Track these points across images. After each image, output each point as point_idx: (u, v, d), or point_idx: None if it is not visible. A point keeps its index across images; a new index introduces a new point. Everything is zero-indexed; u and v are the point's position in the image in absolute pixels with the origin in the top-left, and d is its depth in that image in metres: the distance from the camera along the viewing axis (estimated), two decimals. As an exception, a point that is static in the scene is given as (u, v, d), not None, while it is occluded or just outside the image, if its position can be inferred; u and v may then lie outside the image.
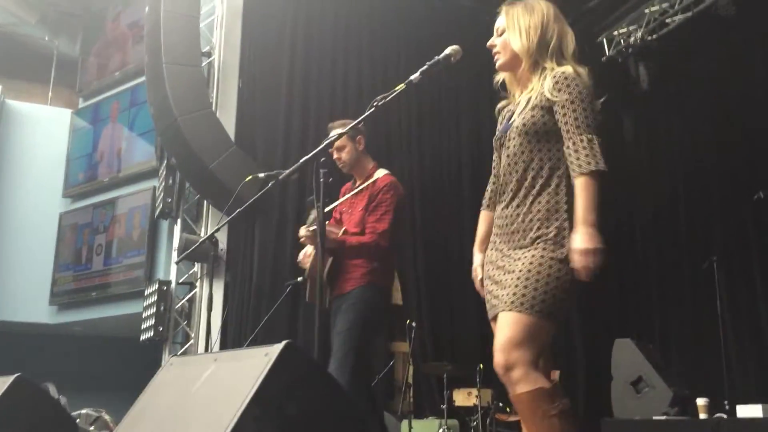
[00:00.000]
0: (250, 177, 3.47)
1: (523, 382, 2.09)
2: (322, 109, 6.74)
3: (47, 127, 8.72)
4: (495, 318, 2.27)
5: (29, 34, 9.01)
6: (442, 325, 6.87)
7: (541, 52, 2.30)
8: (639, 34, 7.05)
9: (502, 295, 2.21)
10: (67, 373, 7.35)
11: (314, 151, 2.37)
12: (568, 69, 2.26)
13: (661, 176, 7.52)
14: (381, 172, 3.75)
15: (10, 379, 2.34)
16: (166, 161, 6.76)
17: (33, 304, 8.08)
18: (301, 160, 2.39)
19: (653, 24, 6.93)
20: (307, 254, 3.72)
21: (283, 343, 1.43)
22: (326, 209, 3.63)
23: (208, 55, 6.83)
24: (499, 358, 2.14)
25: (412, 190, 6.99)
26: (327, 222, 3.82)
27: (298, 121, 6.71)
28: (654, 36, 6.97)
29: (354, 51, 7.20)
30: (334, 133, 3.05)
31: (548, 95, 2.23)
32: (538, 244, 2.20)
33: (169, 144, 6.43)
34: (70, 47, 9.23)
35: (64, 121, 8.73)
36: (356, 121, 2.43)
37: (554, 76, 2.25)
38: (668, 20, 6.83)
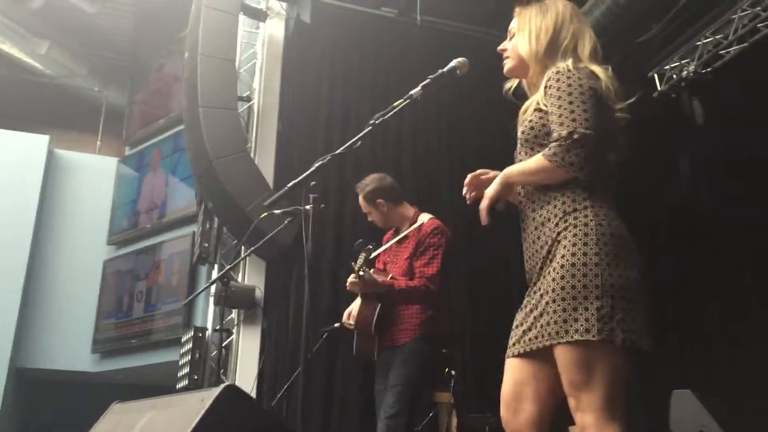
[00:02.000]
0: (265, 214, 3.30)
1: (593, 429, 1.76)
2: (360, 153, 6.59)
3: (94, 176, 8.87)
4: (521, 355, 1.94)
5: (79, 85, 9.23)
6: (487, 372, 6.49)
7: (551, 56, 2.04)
8: (692, 68, 6.71)
9: (539, 325, 1.87)
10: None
11: (302, 176, 2.19)
12: (561, 65, 1.99)
13: (723, 217, 7.07)
14: (425, 217, 3.62)
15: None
16: (203, 206, 6.70)
17: (76, 352, 8.07)
18: (287, 186, 2.22)
19: (707, 56, 6.57)
20: (351, 314, 3.56)
21: (222, 386, 1.23)
22: (370, 256, 3.47)
23: (248, 99, 6.81)
24: (569, 402, 1.83)
25: (455, 227, 6.72)
26: (371, 269, 3.63)
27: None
28: (708, 69, 6.63)
29: (394, 96, 7.03)
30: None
31: (540, 98, 1.99)
32: (558, 248, 1.88)
33: (205, 188, 6.37)
34: (118, 97, 9.43)
35: (111, 169, 8.87)
36: (352, 141, 2.24)
37: (547, 77, 1.99)
38: (722, 52, 6.48)
